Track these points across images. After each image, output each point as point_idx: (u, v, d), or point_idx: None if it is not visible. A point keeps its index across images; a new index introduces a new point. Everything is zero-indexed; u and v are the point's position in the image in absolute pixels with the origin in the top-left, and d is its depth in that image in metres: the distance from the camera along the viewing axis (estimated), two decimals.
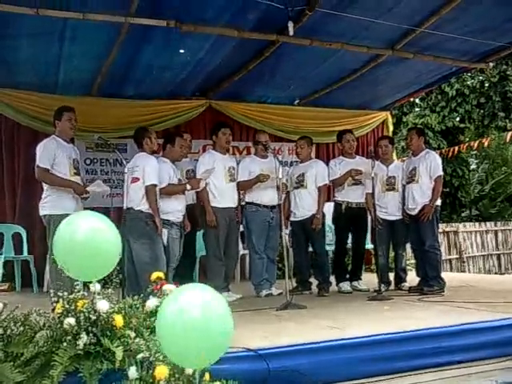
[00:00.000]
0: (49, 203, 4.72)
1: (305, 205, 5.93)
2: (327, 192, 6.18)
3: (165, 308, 2.31)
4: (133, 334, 2.77)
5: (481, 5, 5.36)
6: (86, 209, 5.04)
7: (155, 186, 4.99)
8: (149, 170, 4.98)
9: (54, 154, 4.75)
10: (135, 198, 4.94)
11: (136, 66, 6.28)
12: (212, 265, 5.72)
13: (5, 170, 6.99)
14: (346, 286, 6.02)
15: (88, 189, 4.95)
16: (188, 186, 5.40)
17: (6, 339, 2.73)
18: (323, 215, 5.96)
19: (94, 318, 2.73)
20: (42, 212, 4.76)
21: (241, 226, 6.17)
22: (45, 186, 4.84)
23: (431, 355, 3.41)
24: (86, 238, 2.76)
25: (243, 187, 5.89)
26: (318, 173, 5.96)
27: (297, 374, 3.00)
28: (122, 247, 4.97)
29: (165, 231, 5.10)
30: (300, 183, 5.99)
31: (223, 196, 5.71)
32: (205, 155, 5.98)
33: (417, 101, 16.16)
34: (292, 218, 6.06)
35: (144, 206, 4.96)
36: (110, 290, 2.93)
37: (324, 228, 6.05)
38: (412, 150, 6.13)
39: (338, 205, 6.09)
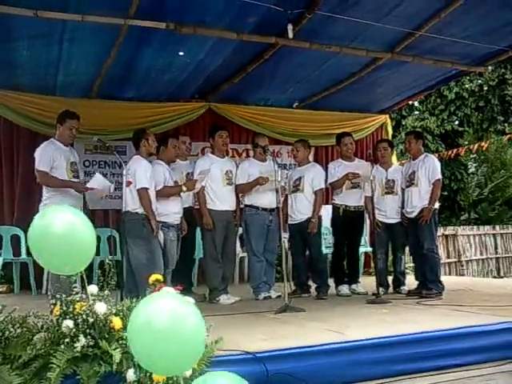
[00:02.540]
0: (50, 204, 4.70)
1: (301, 208, 5.93)
2: (323, 196, 6.17)
3: (135, 317, 2.28)
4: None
5: (480, 9, 5.37)
6: None
7: (146, 189, 5.01)
8: (139, 173, 5.01)
9: (52, 158, 4.78)
10: (131, 201, 4.97)
11: (135, 68, 6.29)
12: (209, 267, 5.73)
13: (3, 171, 6.99)
14: (344, 289, 6.01)
15: (88, 185, 4.98)
16: (184, 188, 5.42)
17: (4, 341, 2.72)
18: (319, 219, 5.96)
19: (91, 320, 2.72)
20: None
21: (240, 229, 6.17)
22: (45, 189, 4.86)
23: (430, 359, 3.40)
24: (60, 231, 2.72)
25: (242, 190, 5.89)
26: (314, 177, 5.97)
27: (294, 378, 2.99)
28: (121, 249, 5.02)
29: (161, 233, 5.11)
30: (297, 187, 6.00)
31: (220, 199, 5.72)
32: (202, 159, 6.00)
33: (416, 104, 16.18)
34: (289, 222, 6.06)
35: (140, 209, 5.00)
36: (106, 291, 2.92)
37: (320, 232, 6.05)
38: (411, 154, 6.13)
39: (335, 208, 6.09)
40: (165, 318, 2.19)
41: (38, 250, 2.74)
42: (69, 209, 2.91)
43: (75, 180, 4.97)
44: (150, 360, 2.24)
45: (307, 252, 6.19)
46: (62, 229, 2.69)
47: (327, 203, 6.34)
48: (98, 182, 5.07)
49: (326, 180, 6.06)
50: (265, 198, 5.80)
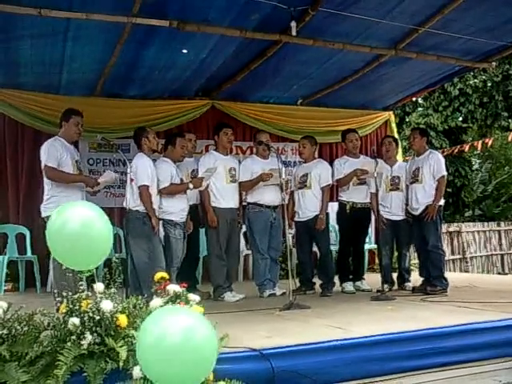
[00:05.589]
0: (53, 204, 4.63)
1: (308, 205, 5.93)
2: (330, 192, 6.16)
3: (146, 331, 2.29)
4: (137, 334, 2.77)
5: (483, 4, 5.35)
6: None
7: (147, 186, 5.02)
8: (140, 171, 5.03)
9: (59, 154, 4.76)
10: (132, 199, 4.99)
11: (139, 66, 6.30)
12: (214, 264, 5.74)
13: (8, 170, 7.01)
14: (349, 286, 6.02)
15: (99, 180, 5.03)
16: (190, 185, 5.42)
17: (11, 339, 2.73)
18: (327, 215, 5.96)
19: (98, 317, 2.73)
20: (45, 213, 4.67)
21: (244, 227, 6.17)
22: (47, 187, 4.80)
23: (435, 355, 3.40)
24: (78, 226, 2.73)
25: (245, 187, 5.89)
26: (321, 173, 5.95)
27: (300, 375, 2.99)
28: (126, 247, 5.04)
29: (161, 230, 5.13)
30: (304, 183, 5.99)
31: (224, 197, 5.72)
32: (205, 156, 5.99)
33: (419, 100, 16.13)
34: (296, 219, 6.06)
35: (140, 207, 5.02)
36: (112, 289, 2.93)
37: (328, 228, 6.04)
38: (415, 150, 6.13)
39: (342, 205, 6.07)
40: (176, 334, 2.20)
41: (55, 246, 2.76)
42: (86, 204, 2.93)
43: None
44: (162, 377, 2.24)
45: (314, 249, 6.20)
46: (79, 224, 2.71)
47: (332, 200, 6.32)
48: (108, 177, 5.16)
49: (332, 176, 6.04)
50: (268, 196, 5.80)
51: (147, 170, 5.06)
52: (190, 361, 2.18)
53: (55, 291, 2.94)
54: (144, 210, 5.01)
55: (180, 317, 2.31)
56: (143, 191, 5.00)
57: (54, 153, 4.75)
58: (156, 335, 2.22)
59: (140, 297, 3.11)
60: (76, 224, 2.73)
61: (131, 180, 5.01)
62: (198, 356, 2.20)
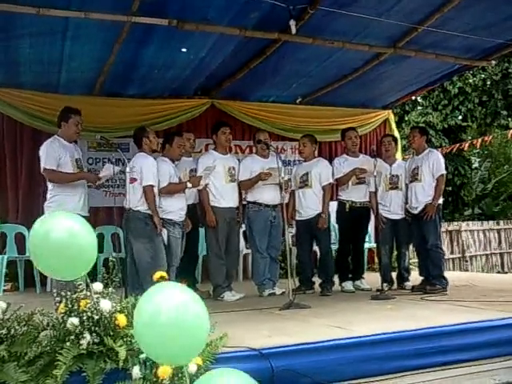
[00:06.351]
0: (55, 203, 4.71)
1: (310, 204, 5.92)
2: (331, 191, 6.16)
3: (141, 307, 2.30)
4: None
5: (483, 2, 5.35)
6: (90, 208, 5.09)
7: (152, 186, 5.02)
8: (145, 170, 5.02)
9: (58, 155, 4.77)
10: (133, 199, 4.97)
11: (138, 65, 6.28)
12: (213, 264, 5.74)
13: (7, 169, 6.99)
14: (348, 285, 6.02)
15: (100, 175, 5.04)
16: (189, 184, 5.41)
17: (10, 339, 2.74)
18: (328, 214, 5.96)
19: (96, 317, 2.73)
20: (47, 212, 4.68)
21: (243, 226, 6.16)
22: (50, 186, 4.84)
23: (434, 354, 3.40)
24: (60, 237, 2.70)
25: (245, 186, 5.88)
26: (322, 172, 5.95)
27: (299, 375, 2.99)
28: (125, 247, 5.03)
29: (164, 231, 5.12)
30: (304, 182, 5.99)
31: (223, 196, 5.72)
32: (205, 155, 5.98)
33: (419, 99, 16.12)
34: (297, 218, 6.05)
35: (142, 207, 5.01)
36: (110, 289, 2.92)
37: (329, 227, 6.05)
38: (414, 149, 6.13)
39: (341, 204, 6.07)
40: (169, 305, 2.22)
41: (38, 257, 2.74)
42: (68, 215, 2.90)
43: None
44: (157, 349, 2.25)
45: (314, 248, 6.19)
46: (61, 236, 2.68)
47: (331, 199, 6.32)
48: (108, 170, 5.09)
49: (332, 175, 6.03)
50: (268, 195, 5.80)
51: (152, 170, 5.06)
52: (181, 334, 2.20)
53: (54, 291, 2.92)
54: (146, 209, 5.01)
55: (173, 292, 2.32)
56: (148, 191, 5.00)
57: (53, 154, 4.77)
58: (151, 308, 2.26)
59: (139, 296, 3.10)
60: (62, 233, 2.68)
61: (133, 180, 4.99)
62: (189, 331, 2.22)
